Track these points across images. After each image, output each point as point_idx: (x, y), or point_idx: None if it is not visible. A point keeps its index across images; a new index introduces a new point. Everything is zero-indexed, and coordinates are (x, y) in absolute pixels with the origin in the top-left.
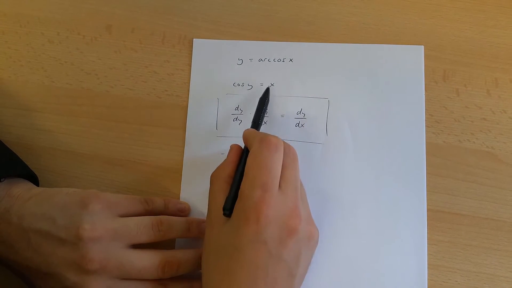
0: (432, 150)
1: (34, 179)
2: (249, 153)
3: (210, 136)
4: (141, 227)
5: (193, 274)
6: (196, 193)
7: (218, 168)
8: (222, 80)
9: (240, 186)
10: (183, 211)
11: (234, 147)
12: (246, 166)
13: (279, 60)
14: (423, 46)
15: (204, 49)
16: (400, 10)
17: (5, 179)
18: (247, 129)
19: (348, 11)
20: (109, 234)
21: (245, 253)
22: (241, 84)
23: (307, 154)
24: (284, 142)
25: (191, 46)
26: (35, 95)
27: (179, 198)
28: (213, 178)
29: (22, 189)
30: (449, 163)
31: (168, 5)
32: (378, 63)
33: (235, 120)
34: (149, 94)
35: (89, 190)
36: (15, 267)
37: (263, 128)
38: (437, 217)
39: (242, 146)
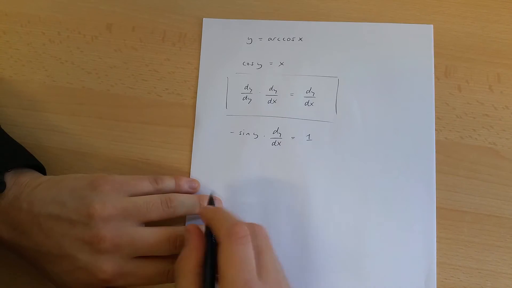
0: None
1: (40, 169)
2: (220, 250)
3: (220, 114)
4: (151, 205)
5: None
6: (206, 171)
7: (181, 258)
8: (231, 59)
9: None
10: (194, 189)
11: (192, 231)
12: (220, 265)
13: (288, 39)
14: (432, 25)
15: (213, 28)
16: (401, 5)
17: (12, 169)
18: (206, 207)
19: (349, 7)
20: (120, 212)
21: None
22: (250, 63)
23: (316, 132)
24: (249, 224)
25: (192, 44)
26: (36, 95)
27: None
28: (179, 271)
29: (29, 177)
30: (451, 160)
31: (168, 3)
32: (387, 42)
33: (245, 99)
34: (150, 93)
35: (97, 174)
36: (27, 253)
37: (272, 106)
38: (439, 214)
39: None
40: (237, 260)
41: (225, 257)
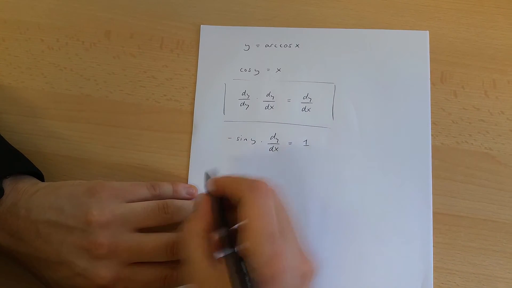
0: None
1: (39, 176)
2: (241, 203)
3: (217, 120)
4: (148, 211)
5: None
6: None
7: (189, 221)
8: (229, 65)
9: (239, 240)
10: (191, 195)
11: (203, 197)
12: (242, 217)
13: (285, 46)
14: (428, 32)
15: (211, 35)
16: (397, 12)
17: (10, 176)
18: (219, 177)
19: (346, 14)
20: (117, 219)
21: None
22: (248, 69)
23: (313, 138)
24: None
25: (189, 51)
26: (35, 101)
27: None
28: (187, 233)
29: (27, 184)
30: (447, 165)
31: (167, 10)
32: (383, 48)
33: (242, 105)
34: (148, 99)
35: (95, 180)
36: (25, 260)
37: (269, 112)
38: (435, 219)
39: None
40: (261, 212)
41: (248, 209)
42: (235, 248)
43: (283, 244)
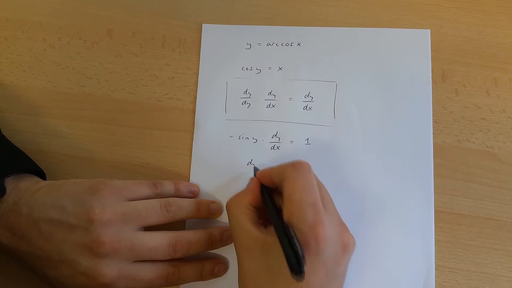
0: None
1: (40, 175)
2: (286, 180)
3: (219, 119)
4: (150, 209)
5: (204, 255)
6: (205, 175)
7: (236, 195)
8: (230, 64)
9: (284, 212)
10: (193, 193)
11: (254, 179)
12: (286, 191)
13: (287, 44)
14: (429, 30)
15: (213, 34)
16: (398, 10)
17: (12, 174)
18: (263, 169)
19: (347, 12)
20: (119, 217)
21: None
22: (249, 68)
23: (314, 136)
24: None
25: (191, 49)
26: (37, 100)
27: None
28: (233, 204)
29: (29, 182)
30: (449, 163)
31: (168, 9)
32: (385, 47)
33: (244, 104)
34: (150, 98)
35: (97, 179)
36: (27, 258)
37: (271, 111)
38: (437, 217)
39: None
40: (303, 184)
41: (292, 182)
42: (282, 218)
43: (325, 214)
